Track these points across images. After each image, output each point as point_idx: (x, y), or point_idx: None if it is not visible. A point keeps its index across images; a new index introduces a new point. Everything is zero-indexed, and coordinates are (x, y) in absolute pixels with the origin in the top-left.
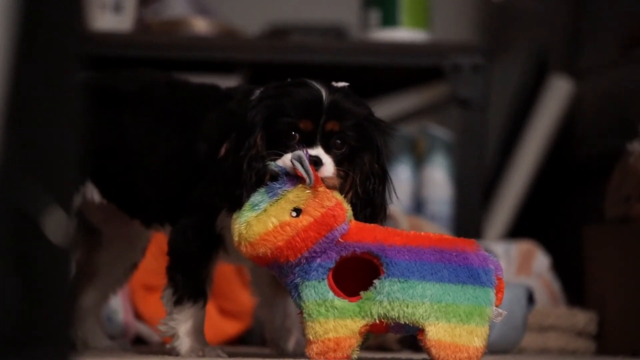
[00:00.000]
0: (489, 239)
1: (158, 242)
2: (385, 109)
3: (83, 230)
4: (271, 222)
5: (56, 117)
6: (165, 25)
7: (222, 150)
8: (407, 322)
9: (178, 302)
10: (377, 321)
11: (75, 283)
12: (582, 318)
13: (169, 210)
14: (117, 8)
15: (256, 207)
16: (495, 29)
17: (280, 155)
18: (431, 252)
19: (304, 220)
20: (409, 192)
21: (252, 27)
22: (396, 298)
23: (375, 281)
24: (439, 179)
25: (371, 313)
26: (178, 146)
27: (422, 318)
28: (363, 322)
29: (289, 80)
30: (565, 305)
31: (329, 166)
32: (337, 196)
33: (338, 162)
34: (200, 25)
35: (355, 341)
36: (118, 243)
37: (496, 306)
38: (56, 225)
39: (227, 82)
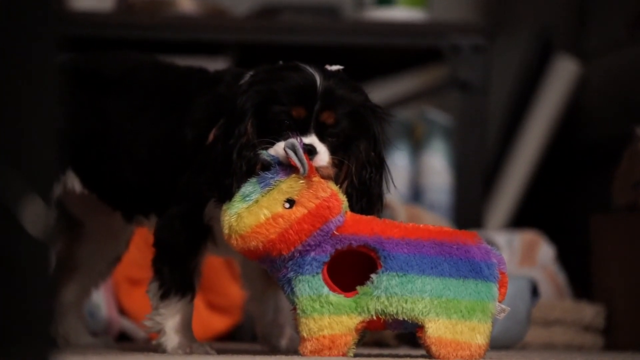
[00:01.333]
0: (490, 229)
1: (143, 234)
2: (381, 92)
3: (63, 221)
4: (263, 213)
5: (32, 102)
6: (148, 5)
7: (210, 137)
8: (406, 319)
9: (164, 296)
10: (374, 317)
11: (55, 277)
12: (589, 312)
13: (155, 200)
14: None
15: (247, 198)
16: (496, 7)
17: (272, 144)
18: (431, 245)
19: (298, 211)
20: (407, 180)
21: (241, 6)
22: (394, 293)
23: (373, 275)
24: (437, 166)
25: (368, 309)
26: (164, 132)
27: (422, 314)
28: (359, 319)
29: (280, 63)
30: (571, 298)
31: (323, 155)
32: (332, 186)
33: (333, 151)
34: (186, 5)
35: (352, 338)
36: (100, 235)
37: (499, 302)
38: (35, 217)
39: (215, 64)
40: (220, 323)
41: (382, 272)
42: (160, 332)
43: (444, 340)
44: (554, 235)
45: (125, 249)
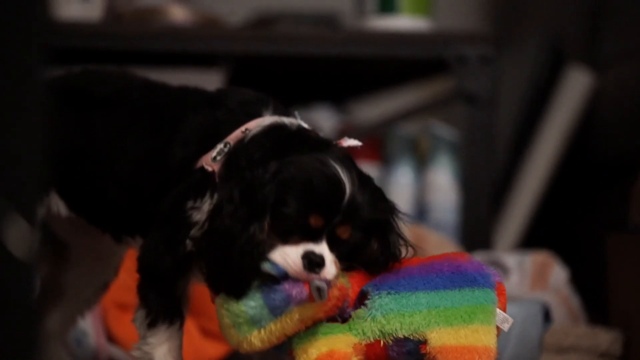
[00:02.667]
0: (499, 249)
1: (133, 257)
2: (383, 105)
3: (49, 243)
4: (276, 338)
5: (17, 119)
6: (138, 14)
7: (200, 162)
8: (407, 335)
9: (152, 324)
10: (372, 340)
11: (39, 303)
12: (605, 338)
13: (141, 222)
14: None
15: (257, 325)
16: (504, 15)
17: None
18: (419, 267)
19: (308, 322)
20: (410, 197)
21: (235, 15)
22: (390, 310)
23: (366, 301)
24: (443, 183)
25: (364, 331)
26: (151, 150)
27: (422, 326)
28: (356, 339)
29: (311, 141)
30: (586, 324)
31: (331, 268)
32: (338, 281)
33: (340, 257)
34: (178, 14)
35: (351, 355)
36: (88, 260)
37: (501, 310)
38: (18, 238)
39: (208, 76)
40: (214, 349)
41: (374, 294)
42: None
43: (448, 347)
44: (567, 257)
45: (115, 275)
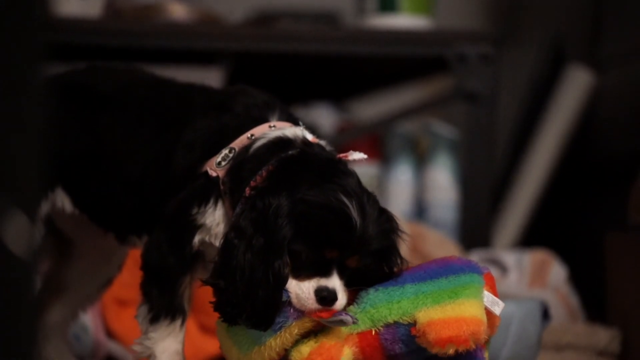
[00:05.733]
0: (498, 248)
1: (133, 254)
2: (383, 103)
3: (53, 239)
4: (276, 354)
5: (18, 115)
6: (138, 11)
7: (205, 167)
8: (396, 319)
9: (154, 320)
10: (363, 329)
11: (40, 298)
12: (604, 336)
13: (146, 222)
14: None
15: (257, 341)
16: (505, 14)
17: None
18: (407, 270)
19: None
20: (410, 196)
21: (236, 13)
22: (379, 300)
23: (356, 299)
24: (443, 182)
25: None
26: (158, 152)
27: (410, 309)
28: (347, 331)
29: (317, 167)
30: (585, 322)
31: (342, 300)
32: None
33: (347, 282)
34: (178, 11)
35: (342, 345)
36: (91, 256)
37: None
38: (18, 234)
39: (208, 73)
40: (213, 346)
41: (362, 293)
42: (150, 356)
43: (435, 320)
44: (566, 255)
45: (118, 271)
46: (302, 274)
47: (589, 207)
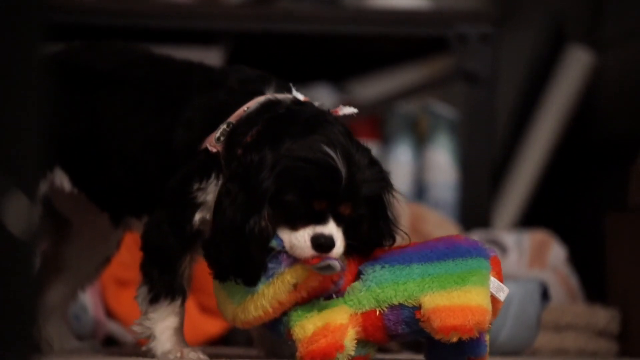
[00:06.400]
0: (498, 228)
1: (132, 234)
2: (383, 84)
3: (51, 219)
4: (270, 305)
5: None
6: None
7: (204, 144)
8: (401, 301)
9: (154, 300)
10: (368, 309)
11: (39, 278)
12: (603, 316)
13: (145, 201)
14: None
15: (251, 291)
16: None
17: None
18: (414, 246)
19: (303, 291)
20: (410, 176)
21: None
22: (385, 279)
23: (361, 275)
24: (442, 162)
25: (359, 301)
26: (156, 131)
27: (416, 292)
28: (352, 310)
29: (303, 121)
30: (584, 302)
31: (340, 247)
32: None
33: (344, 232)
34: None
35: (347, 326)
36: (90, 235)
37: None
38: (17, 214)
39: (207, 54)
40: (212, 326)
41: (369, 268)
42: (149, 337)
43: (440, 307)
44: (565, 235)
45: (116, 250)
46: (297, 224)
47: (588, 188)
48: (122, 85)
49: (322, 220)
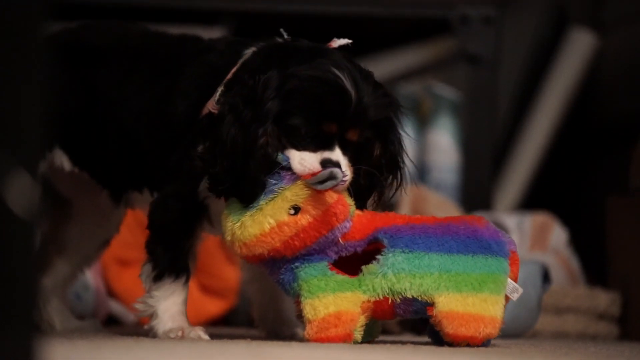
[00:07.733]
0: (499, 210)
1: (135, 214)
2: (385, 65)
3: (51, 200)
4: (268, 222)
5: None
6: None
7: (205, 110)
8: (415, 295)
9: (158, 278)
10: (381, 297)
11: (40, 258)
12: (604, 299)
13: (143, 174)
14: None
15: (251, 207)
16: None
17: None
18: (436, 226)
19: (303, 219)
20: (411, 157)
21: None
22: (402, 269)
23: (379, 256)
24: (444, 144)
25: (374, 287)
26: (151, 100)
27: (432, 289)
28: (365, 297)
29: (305, 48)
30: (585, 285)
31: (347, 174)
32: (344, 196)
33: (351, 159)
34: None
35: (358, 315)
36: (90, 216)
37: (512, 280)
38: (19, 194)
39: (211, 33)
40: (214, 307)
41: (388, 251)
42: (152, 315)
43: (454, 313)
44: (567, 218)
45: (116, 231)
46: (306, 148)
47: (590, 170)
48: (117, 58)
49: (329, 146)
